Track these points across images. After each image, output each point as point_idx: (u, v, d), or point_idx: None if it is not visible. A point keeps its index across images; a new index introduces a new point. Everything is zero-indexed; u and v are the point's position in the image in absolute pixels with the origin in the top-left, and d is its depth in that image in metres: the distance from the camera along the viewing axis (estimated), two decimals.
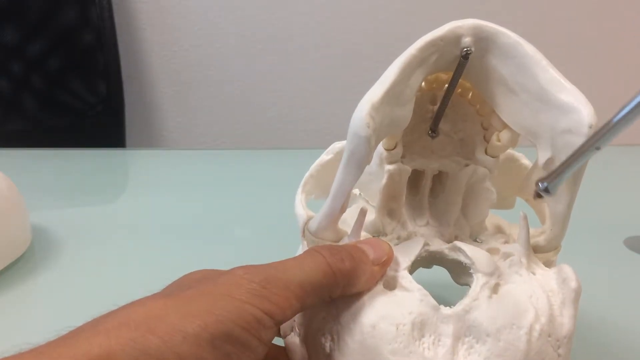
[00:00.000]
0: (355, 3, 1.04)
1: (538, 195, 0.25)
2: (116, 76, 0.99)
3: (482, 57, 0.25)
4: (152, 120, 1.16)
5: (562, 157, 0.24)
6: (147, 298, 0.21)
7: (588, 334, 0.36)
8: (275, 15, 1.05)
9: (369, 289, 0.24)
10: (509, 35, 0.24)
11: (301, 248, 0.29)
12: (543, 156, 0.25)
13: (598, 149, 0.21)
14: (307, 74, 1.09)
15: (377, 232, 0.28)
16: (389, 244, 0.25)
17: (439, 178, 0.29)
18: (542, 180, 0.24)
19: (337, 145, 0.32)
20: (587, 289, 0.41)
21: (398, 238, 0.28)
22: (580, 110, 0.23)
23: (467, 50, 0.25)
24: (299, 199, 0.30)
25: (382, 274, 0.24)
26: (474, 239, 0.29)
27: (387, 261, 0.25)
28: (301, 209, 0.29)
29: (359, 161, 0.24)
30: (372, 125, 0.23)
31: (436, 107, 0.28)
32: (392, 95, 0.24)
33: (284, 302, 0.21)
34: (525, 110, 0.25)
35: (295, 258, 0.23)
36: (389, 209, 0.28)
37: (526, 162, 0.31)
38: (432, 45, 0.24)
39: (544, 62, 0.24)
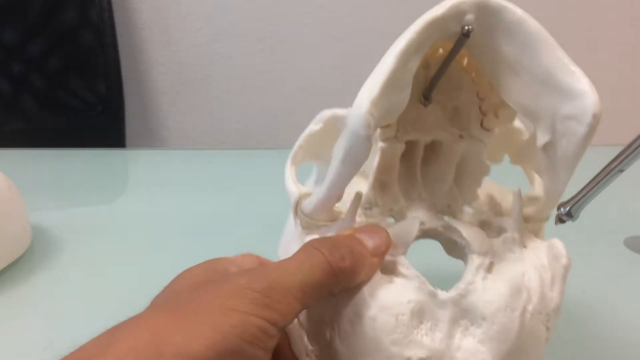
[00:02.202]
0: (355, 3, 1.04)
1: (560, 221, 0.24)
2: (116, 76, 0.98)
3: (484, 32, 0.23)
4: (152, 120, 1.15)
5: (563, 142, 0.23)
6: (150, 314, 0.21)
7: (588, 333, 0.36)
8: (275, 15, 1.05)
9: (368, 279, 0.24)
10: (514, 11, 0.23)
11: (293, 223, 0.28)
12: (542, 138, 0.24)
13: (621, 171, 0.21)
14: (307, 74, 1.09)
15: (369, 204, 0.28)
16: (387, 232, 0.25)
17: (432, 147, 0.29)
18: (564, 205, 0.24)
19: (327, 113, 0.30)
20: (587, 289, 0.41)
21: (390, 210, 0.28)
22: (584, 98, 0.22)
23: (469, 28, 0.23)
24: (289, 172, 0.29)
25: (380, 263, 0.24)
26: (465, 206, 0.29)
27: (385, 250, 0.25)
28: (292, 185, 0.28)
29: (358, 160, 0.23)
30: (373, 122, 0.22)
31: (429, 72, 0.26)
32: (390, 85, 0.23)
33: (287, 309, 0.21)
34: (526, 91, 0.24)
35: (295, 258, 0.23)
36: (381, 180, 0.28)
37: (517, 124, 0.31)
38: (432, 25, 0.23)
39: (549, 42, 0.22)
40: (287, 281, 0.21)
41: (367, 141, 0.22)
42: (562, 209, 0.24)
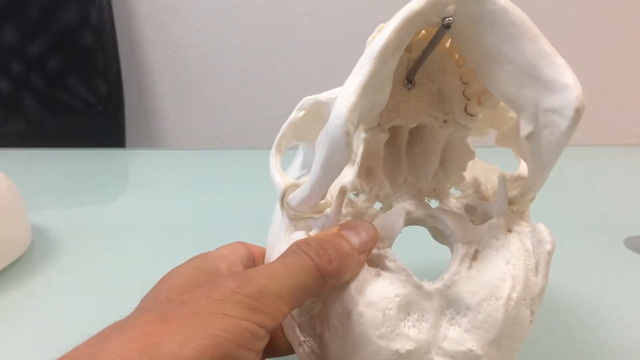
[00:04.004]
0: (356, 2, 1.04)
1: None
2: (116, 76, 0.99)
3: (466, 22, 0.23)
4: (152, 120, 1.16)
5: (545, 134, 0.23)
6: (141, 319, 0.20)
7: (588, 334, 0.36)
8: (275, 15, 1.05)
9: (355, 276, 0.24)
10: (495, 1, 0.22)
11: (280, 213, 0.28)
12: (525, 129, 0.24)
13: None
14: (307, 74, 1.09)
15: (356, 190, 0.28)
16: (373, 227, 0.25)
17: (417, 130, 0.28)
18: None
19: (309, 99, 0.30)
20: (587, 288, 0.41)
21: (377, 196, 0.28)
22: (567, 91, 0.21)
23: (449, 20, 0.22)
24: (274, 162, 0.29)
25: (367, 258, 0.25)
26: (452, 188, 0.29)
27: (372, 246, 0.25)
28: (278, 176, 0.28)
29: (338, 165, 0.23)
30: (352, 129, 0.22)
31: (412, 55, 0.26)
32: (369, 87, 0.22)
33: (275, 312, 0.21)
34: (509, 81, 0.23)
35: (283, 262, 0.23)
36: (366, 167, 0.28)
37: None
38: (411, 21, 0.22)
39: (533, 33, 0.22)
40: (276, 286, 0.21)
41: (347, 148, 0.22)
42: None
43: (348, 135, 0.22)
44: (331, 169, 0.24)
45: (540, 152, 0.24)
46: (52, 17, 0.95)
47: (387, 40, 0.22)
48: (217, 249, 0.29)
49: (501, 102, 0.29)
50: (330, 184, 0.25)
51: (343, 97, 0.22)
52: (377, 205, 0.28)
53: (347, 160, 0.23)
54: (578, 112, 0.21)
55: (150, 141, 1.16)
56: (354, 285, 0.24)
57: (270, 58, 1.09)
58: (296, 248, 0.24)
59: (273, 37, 1.07)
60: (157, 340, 0.19)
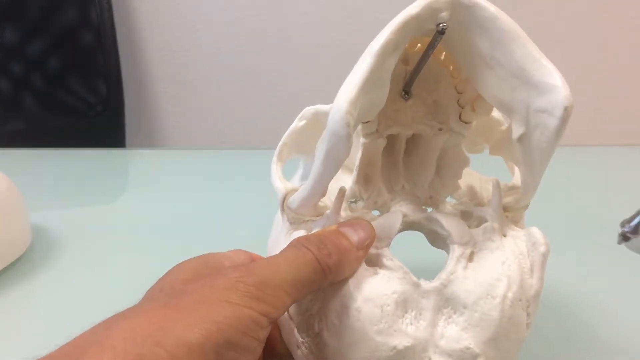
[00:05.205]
0: (355, 3, 1.04)
1: (625, 238, 0.25)
2: (116, 76, 0.99)
3: (459, 28, 0.24)
4: (152, 120, 1.16)
5: (536, 135, 0.24)
6: (146, 306, 0.21)
7: (587, 333, 0.36)
8: (275, 15, 1.05)
9: (353, 272, 0.25)
10: (486, 8, 0.23)
11: (281, 218, 0.29)
12: (517, 131, 0.25)
13: None
14: (307, 74, 1.09)
15: (354, 197, 0.29)
16: (371, 225, 0.26)
17: (413, 139, 0.29)
18: (628, 221, 0.24)
19: (310, 109, 0.31)
20: (586, 289, 0.41)
21: (375, 203, 0.28)
22: (555, 92, 0.22)
23: (444, 26, 0.23)
24: (275, 169, 0.30)
25: (365, 255, 0.25)
26: (447, 197, 0.30)
27: (370, 243, 0.25)
28: (278, 182, 0.29)
29: (338, 159, 0.24)
30: (352, 122, 0.22)
31: (409, 67, 0.27)
32: (368, 84, 0.23)
33: (278, 302, 0.21)
34: (500, 85, 0.24)
35: (285, 255, 0.23)
36: (365, 174, 0.28)
37: (496, 114, 0.31)
38: (408, 24, 0.23)
39: (522, 38, 0.23)
40: (278, 277, 0.22)
41: (347, 141, 0.23)
42: (626, 227, 0.24)
43: (348, 127, 0.22)
44: (331, 164, 0.24)
45: (532, 153, 0.24)
46: (52, 17, 0.95)
47: (386, 40, 0.23)
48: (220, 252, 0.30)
49: (494, 117, 0.30)
50: (330, 180, 0.25)
51: (343, 92, 0.23)
52: (375, 213, 0.29)
53: (346, 154, 0.23)
54: (567, 110, 0.22)
55: (150, 141, 1.16)
56: (352, 282, 0.24)
57: (270, 58, 1.09)
58: (296, 243, 0.24)
59: (273, 37, 1.07)
60: (162, 324, 0.19)
